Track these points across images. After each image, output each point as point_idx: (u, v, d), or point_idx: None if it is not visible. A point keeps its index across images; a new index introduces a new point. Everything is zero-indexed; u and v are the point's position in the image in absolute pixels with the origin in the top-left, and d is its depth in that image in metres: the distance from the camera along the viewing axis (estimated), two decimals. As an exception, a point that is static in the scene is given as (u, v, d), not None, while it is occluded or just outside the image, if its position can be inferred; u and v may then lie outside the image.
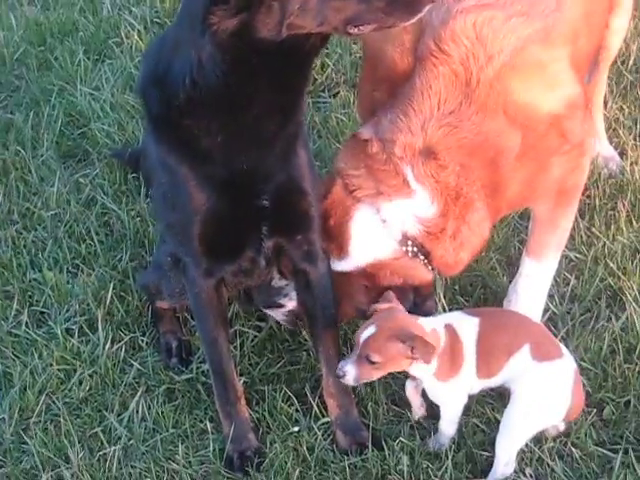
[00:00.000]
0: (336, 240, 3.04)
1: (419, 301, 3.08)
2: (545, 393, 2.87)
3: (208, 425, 3.19)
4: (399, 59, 3.00)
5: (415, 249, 2.99)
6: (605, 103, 4.29)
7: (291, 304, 3.30)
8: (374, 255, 3.02)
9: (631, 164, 4.00)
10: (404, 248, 2.99)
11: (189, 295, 3.07)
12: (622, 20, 3.88)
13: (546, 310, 3.44)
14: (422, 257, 3.02)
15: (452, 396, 2.99)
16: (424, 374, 2.94)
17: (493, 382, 2.98)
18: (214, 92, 2.56)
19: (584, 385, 3.08)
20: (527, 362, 2.89)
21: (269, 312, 3.43)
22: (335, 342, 3.12)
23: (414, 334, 2.81)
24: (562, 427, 3.02)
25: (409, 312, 2.97)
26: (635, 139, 4.16)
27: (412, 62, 2.96)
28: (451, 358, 2.93)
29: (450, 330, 2.95)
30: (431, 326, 2.92)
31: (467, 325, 2.97)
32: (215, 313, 3.05)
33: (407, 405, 3.19)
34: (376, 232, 3.00)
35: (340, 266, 3.07)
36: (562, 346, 2.99)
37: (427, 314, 3.06)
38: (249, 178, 2.74)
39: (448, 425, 3.04)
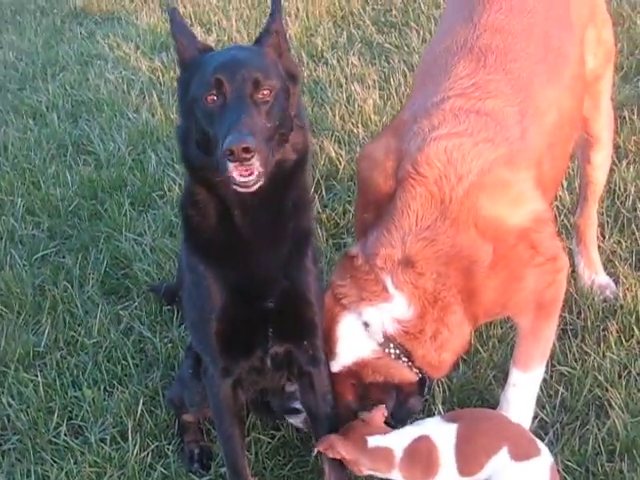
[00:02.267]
0: (326, 343, 3.54)
1: (402, 399, 3.55)
2: None
3: (225, 519, 3.68)
4: (383, 183, 3.54)
5: (397, 351, 3.47)
6: (603, 236, 4.84)
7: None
8: (358, 354, 3.52)
9: (624, 290, 4.49)
10: (386, 350, 3.48)
11: (209, 394, 3.58)
12: (602, 155, 4.41)
13: (537, 418, 3.89)
14: (405, 359, 3.50)
15: None
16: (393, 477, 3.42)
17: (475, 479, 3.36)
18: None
19: None
20: (506, 462, 3.24)
21: (288, 418, 3.94)
22: None
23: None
24: None
25: (393, 412, 3.48)
26: (631, 269, 4.66)
27: (394, 185, 3.49)
28: (427, 465, 3.36)
29: (425, 440, 3.39)
30: (386, 443, 3.39)
31: (444, 433, 3.38)
32: (232, 411, 3.55)
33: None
34: (359, 334, 3.50)
35: (330, 367, 3.58)
36: (539, 443, 3.35)
37: (411, 412, 3.56)
38: (253, 281, 3.30)
39: None
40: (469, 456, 3.33)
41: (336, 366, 3.56)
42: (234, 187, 3.00)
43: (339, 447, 3.40)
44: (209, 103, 3.04)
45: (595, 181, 4.52)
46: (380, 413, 3.47)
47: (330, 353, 3.56)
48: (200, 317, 3.44)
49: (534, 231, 3.44)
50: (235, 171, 2.93)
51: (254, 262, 3.28)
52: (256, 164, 2.93)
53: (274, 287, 3.33)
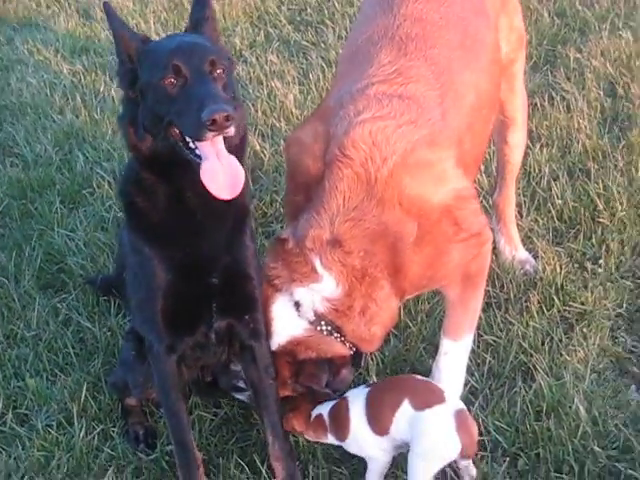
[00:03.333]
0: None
1: (334, 371, 3.70)
2: (430, 435, 3.42)
3: (172, 495, 3.80)
4: (312, 166, 3.68)
5: (329, 327, 3.63)
6: (521, 215, 5.08)
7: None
8: (291, 333, 3.68)
9: (543, 264, 4.73)
10: (318, 327, 3.64)
11: (154, 371, 3.70)
12: (517, 136, 4.65)
13: (468, 385, 4.09)
14: (336, 334, 3.66)
15: (364, 449, 3.66)
16: (333, 442, 3.74)
17: (397, 438, 3.57)
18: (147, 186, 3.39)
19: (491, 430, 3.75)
20: (409, 413, 3.48)
21: (235, 395, 4.07)
22: (278, 410, 3.76)
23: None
24: (472, 470, 3.62)
25: (327, 383, 3.67)
26: (548, 244, 4.91)
27: (322, 168, 3.64)
28: (342, 424, 3.67)
29: (342, 402, 3.70)
30: (317, 411, 3.73)
31: (357, 395, 3.69)
32: (176, 387, 3.68)
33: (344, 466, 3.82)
34: (291, 313, 3.66)
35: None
36: (445, 393, 3.54)
37: (343, 382, 3.74)
38: (200, 258, 3.44)
39: (371, 477, 3.69)
40: (377, 414, 3.59)
41: (273, 345, 3.72)
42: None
43: (293, 421, 3.72)
44: (168, 86, 3.14)
45: (512, 161, 4.75)
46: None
47: (267, 333, 3.71)
48: (146, 296, 3.57)
49: (457, 208, 3.61)
50: (209, 158, 3.12)
51: (201, 241, 3.42)
52: (232, 130, 3.08)
53: (217, 263, 3.48)
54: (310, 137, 3.76)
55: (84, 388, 4.27)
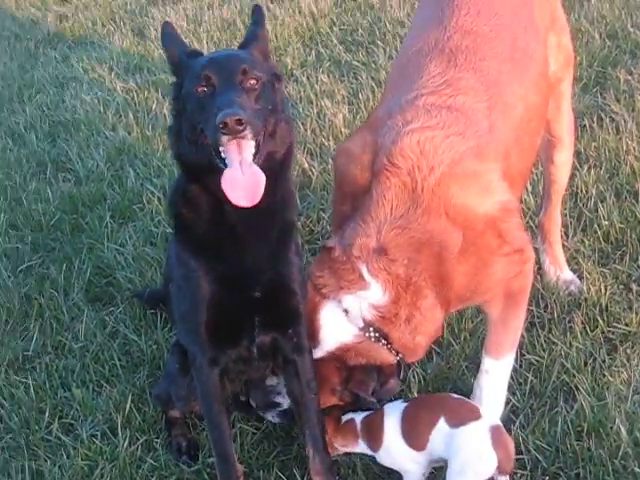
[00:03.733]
0: (309, 332, 3.76)
1: (383, 380, 3.77)
2: (466, 452, 3.47)
3: (213, 506, 3.86)
4: (359, 176, 3.75)
5: (377, 334, 3.69)
6: (567, 235, 5.09)
7: (286, 402, 4.03)
8: (340, 340, 3.74)
9: (588, 285, 4.73)
10: (367, 334, 3.69)
11: (197, 383, 3.76)
12: (564, 155, 4.66)
13: (509, 404, 4.11)
14: (383, 341, 3.71)
15: (398, 462, 3.72)
16: (363, 450, 3.81)
17: (433, 454, 3.63)
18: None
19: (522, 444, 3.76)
20: (446, 430, 3.54)
21: (263, 414, 4.14)
22: (320, 424, 3.80)
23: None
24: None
25: (374, 392, 3.72)
26: (593, 265, 4.90)
27: (370, 177, 3.69)
28: (375, 435, 3.74)
29: (379, 413, 3.77)
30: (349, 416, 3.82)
31: (395, 408, 3.76)
32: (219, 400, 3.73)
33: (384, 481, 3.86)
34: (339, 320, 3.71)
35: (314, 354, 3.78)
36: (481, 410, 3.60)
37: (390, 392, 3.79)
38: (242, 272, 3.49)
39: None
40: (414, 430, 3.66)
41: (320, 352, 3.77)
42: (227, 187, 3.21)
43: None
44: (199, 94, 3.23)
45: (558, 180, 4.76)
46: None
47: (314, 341, 3.76)
48: (190, 308, 3.63)
49: (501, 220, 3.64)
50: (230, 148, 3.15)
51: (244, 254, 3.47)
52: (249, 135, 3.12)
53: (261, 277, 3.53)
54: (358, 147, 3.82)
55: (129, 399, 4.35)
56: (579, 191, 5.40)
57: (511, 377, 4.11)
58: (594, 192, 5.38)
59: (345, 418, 3.83)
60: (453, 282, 3.64)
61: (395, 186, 3.59)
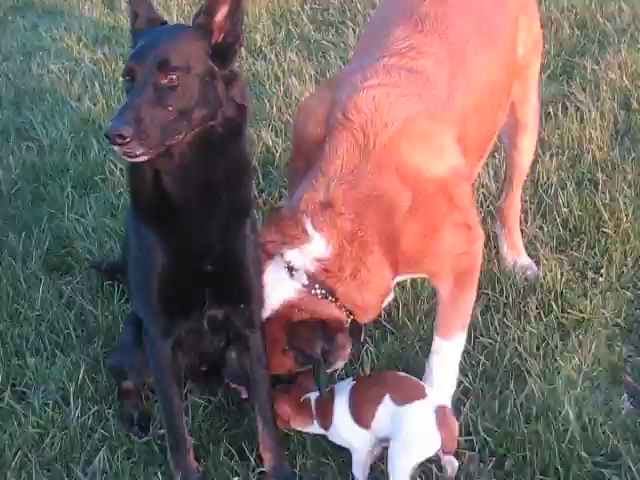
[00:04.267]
0: None
1: (330, 336, 3.71)
2: (409, 430, 3.50)
3: (160, 477, 3.84)
4: (314, 131, 3.74)
5: (322, 290, 3.66)
6: (526, 221, 5.13)
7: None
8: (284, 297, 3.68)
9: (545, 270, 4.77)
10: (312, 290, 3.66)
11: (149, 354, 3.76)
12: (527, 141, 4.69)
13: (461, 385, 4.14)
14: (331, 298, 3.68)
15: (347, 440, 3.74)
16: (318, 431, 3.82)
17: (379, 432, 3.64)
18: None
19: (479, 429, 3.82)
20: (390, 407, 3.56)
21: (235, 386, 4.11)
22: (269, 399, 3.82)
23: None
24: (454, 462, 3.66)
25: (323, 352, 3.69)
26: (551, 252, 4.95)
27: (324, 133, 3.69)
28: (326, 412, 3.76)
29: (330, 391, 3.78)
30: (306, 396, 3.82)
31: (344, 387, 3.78)
32: (171, 372, 3.74)
33: (332, 457, 3.88)
34: (282, 276, 3.67)
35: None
36: (427, 389, 3.63)
37: (340, 350, 3.77)
38: (192, 245, 3.49)
39: (357, 469, 3.75)
40: (360, 406, 3.67)
41: (267, 311, 3.73)
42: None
43: (284, 408, 3.81)
44: (126, 85, 3.25)
45: (520, 166, 4.80)
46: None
47: None
48: (142, 277, 3.64)
49: (452, 185, 3.65)
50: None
51: (189, 227, 3.46)
52: (135, 147, 3.09)
53: (212, 251, 3.53)
54: (316, 103, 3.85)
55: (82, 369, 4.35)
56: (540, 178, 5.45)
57: (464, 359, 4.16)
58: (555, 179, 5.43)
59: (303, 397, 3.83)
60: (401, 242, 3.62)
61: (347, 141, 3.59)
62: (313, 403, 3.81)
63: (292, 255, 3.67)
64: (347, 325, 3.78)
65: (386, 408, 3.58)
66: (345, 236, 3.59)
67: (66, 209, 5.55)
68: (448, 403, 3.73)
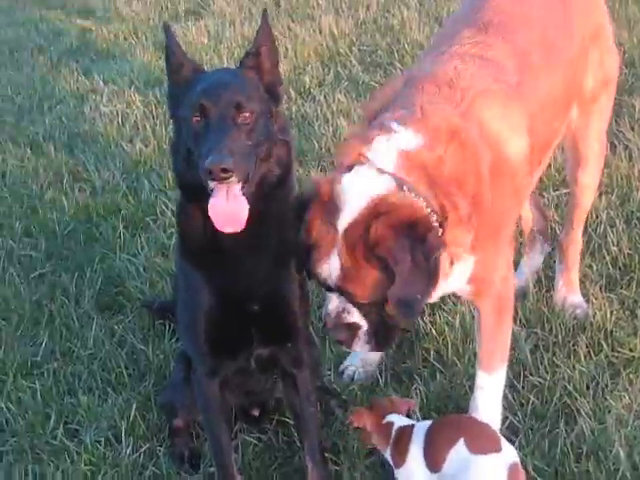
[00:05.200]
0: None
1: (417, 237, 3.28)
2: None
3: (211, 514, 3.91)
4: (391, 91, 3.82)
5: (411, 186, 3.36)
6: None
7: None
8: (369, 194, 3.33)
9: (594, 309, 4.77)
10: (400, 187, 3.36)
11: (197, 393, 3.84)
12: (588, 177, 4.65)
13: (509, 423, 4.14)
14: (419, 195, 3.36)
15: None
16: (387, 457, 3.76)
17: (444, 475, 3.53)
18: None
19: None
20: (464, 454, 3.42)
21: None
22: (317, 436, 3.87)
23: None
24: None
25: (410, 249, 3.25)
26: (600, 290, 4.95)
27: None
28: (401, 450, 3.69)
29: (410, 427, 3.74)
30: (391, 419, 3.77)
31: (423, 426, 3.71)
32: (219, 410, 3.81)
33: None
34: (370, 174, 3.38)
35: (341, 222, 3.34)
36: (503, 442, 3.51)
37: (433, 249, 3.31)
38: (238, 286, 3.57)
39: None
40: (434, 448, 3.59)
41: (351, 213, 3.33)
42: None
43: (365, 417, 3.76)
44: (194, 124, 3.32)
45: (581, 203, 4.77)
46: (406, 405, 3.87)
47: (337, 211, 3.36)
48: (190, 319, 3.73)
49: (521, 174, 3.73)
50: (217, 194, 3.27)
51: (239, 269, 3.55)
52: (235, 180, 3.22)
53: (258, 292, 3.60)
54: (397, 79, 3.93)
55: (134, 407, 4.42)
56: (590, 216, 5.43)
57: (513, 398, 4.21)
58: (604, 218, 5.43)
59: (388, 419, 3.77)
60: (483, 196, 3.53)
61: (432, 92, 3.61)
62: (394, 431, 3.74)
63: (378, 147, 3.43)
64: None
65: (459, 453, 3.46)
66: (437, 131, 3.45)
67: (118, 249, 5.66)
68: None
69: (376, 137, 3.44)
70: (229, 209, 3.28)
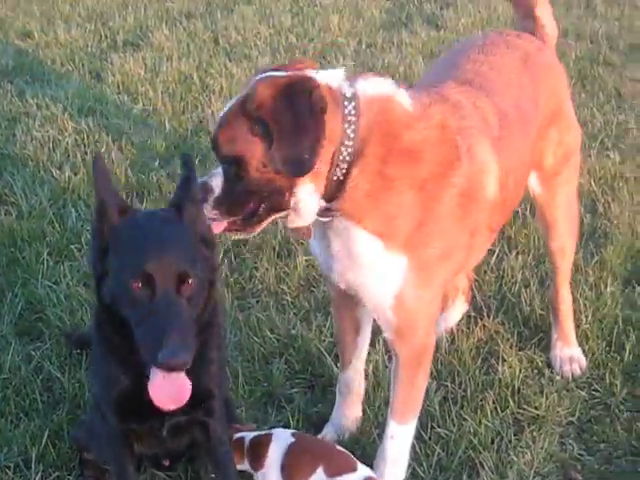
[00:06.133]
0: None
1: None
2: None
3: None
4: None
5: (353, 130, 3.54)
6: (488, 316, 5.32)
7: None
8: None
9: (503, 366, 4.94)
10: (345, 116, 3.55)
11: (104, 441, 3.85)
12: (557, 243, 4.88)
13: (414, 474, 4.28)
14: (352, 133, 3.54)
15: None
16: (246, 469, 3.99)
17: None
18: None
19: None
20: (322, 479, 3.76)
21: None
22: (235, 475, 3.89)
23: None
24: None
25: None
26: (511, 348, 5.12)
27: None
28: (257, 457, 3.94)
29: (267, 436, 3.99)
30: (243, 434, 4.04)
31: (283, 439, 3.96)
32: (126, 460, 3.79)
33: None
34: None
35: None
36: (358, 463, 3.86)
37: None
38: None
39: None
40: (293, 468, 3.87)
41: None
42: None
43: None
44: (135, 290, 3.18)
45: (558, 266, 4.99)
46: (250, 428, 4.12)
47: None
48: (101, 384, 3.76)
49: (484, 213, 3.89)
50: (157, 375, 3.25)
51: None
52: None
53: None
54: None
55: (45, 434, 4.43)
56: (505, 275, 5.64)
57: (419, 448, 4.33)
58: (519, 277, 5.63)
59: (236, 436, 3.99)
60: (437, 200, 3.71)
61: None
62: (247, 443, 3.98)
63: (363, 83, 3.64)
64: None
65: (318, 478, 3.78)
66: (430, 114, 3.69)
67: (40, 275, 5.67)
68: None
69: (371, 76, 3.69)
70: (171, 389, 3.26)
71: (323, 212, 3.62)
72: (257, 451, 3.95)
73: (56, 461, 4.37)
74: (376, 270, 3.73)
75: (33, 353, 5.06)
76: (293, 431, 4.17)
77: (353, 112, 3.49)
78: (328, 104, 3.43)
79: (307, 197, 3.53)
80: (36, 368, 4.96)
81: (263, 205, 3.54)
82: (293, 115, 3.36)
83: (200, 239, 3.37)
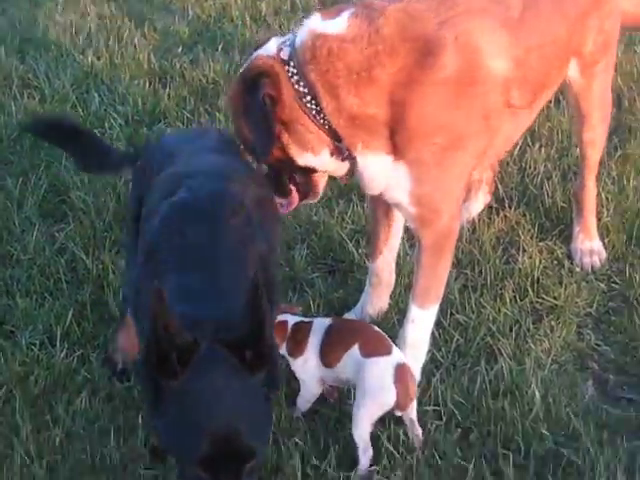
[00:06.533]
0: None
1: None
2: (369, 382, 3.69)
3: (139, 421, 3.98)
4: None
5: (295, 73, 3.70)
6: (510, 207, 5.31)
7: None
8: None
9: (523, 256, 4.95)
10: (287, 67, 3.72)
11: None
12: (590, 134, 4.87)
13: (433, 358, 4.32)
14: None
15: (304, 373, 3.94)
16: (283, 353, 3.95)
17: (337, 372, 3.87)
18: None
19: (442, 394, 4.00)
20: (357, 358, 3.76)
21: None
22: None
23: None
24: (417, 429, 3.84)
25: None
26: (532, 239, 5.11)
27: None
28: (298, 343, 3.95)
29: (308, 323, 4.01)
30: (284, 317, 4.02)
31: (322, 323, 3.99)
32: None
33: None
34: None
35: None
36: (393, 347, 3.81)
37: None
38: None
39: (302, 401, 3.99)
40: (330, 348, 3.89)
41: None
42: None
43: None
44: (199, 470, 2.81)
45: (586, 157, 4.97)
46: (294, 309, 4.15)
47: None
48: None
49: (493, 93, 3.84)
50: None
51: None
52: None
53: None
54: None
55: (70, 313, 4.50)
56: (528, 167, 5.61)
57: (439, 334, 4.36)
58: (542, 170, 5.59)
59: (279, 318, 3.95)
60: (413, 108, 3.70)
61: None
62: (289, 327, 4.00)
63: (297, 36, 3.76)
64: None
65: (352, 356, 3.78)
66: (371, 38, 3.65)
67: (63, 158, 5.66)
68: (416, 367, 4.00)
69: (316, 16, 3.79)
70: None
71: (345, 158, 3.82)
72: (297, 337, 3.98)
73: (80, 339, 4.43)
74: (388, 179, 3.87)
75: (57, 234, 5.11)
76: (333, 317, 4.21)
77: (295, 70, 3.65)
78: (274, 84, 3.64)
79: (324, 159, 3.83)
80: (60, 249, 5.01)
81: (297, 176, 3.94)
82: (247, 112, 3.72)
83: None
